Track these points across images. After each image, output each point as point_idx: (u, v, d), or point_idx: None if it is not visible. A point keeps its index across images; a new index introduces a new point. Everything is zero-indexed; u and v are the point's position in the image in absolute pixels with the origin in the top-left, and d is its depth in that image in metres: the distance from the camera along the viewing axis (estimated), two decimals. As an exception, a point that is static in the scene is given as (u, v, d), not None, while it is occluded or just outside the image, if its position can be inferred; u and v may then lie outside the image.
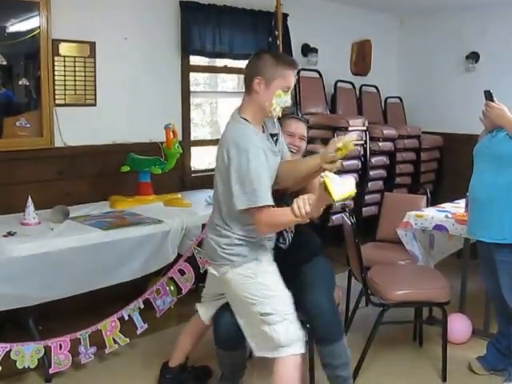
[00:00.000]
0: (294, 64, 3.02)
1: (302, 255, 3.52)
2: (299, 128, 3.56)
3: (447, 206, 5.02)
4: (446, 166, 7.65)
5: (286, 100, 2.98)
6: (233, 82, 6.77)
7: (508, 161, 3.53)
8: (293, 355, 3.05)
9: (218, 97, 6.71)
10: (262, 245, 3.12)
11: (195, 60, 5.81)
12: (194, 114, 6.00)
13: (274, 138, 3.17)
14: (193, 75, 5.86)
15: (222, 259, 3.09)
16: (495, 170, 3.58)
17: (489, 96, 3.65)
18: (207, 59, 6.04)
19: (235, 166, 2.86)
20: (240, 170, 2.85)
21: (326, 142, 3.02)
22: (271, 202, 2.86)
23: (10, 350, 3.51)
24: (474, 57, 7.28)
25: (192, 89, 5.82)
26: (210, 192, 5.09)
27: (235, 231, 3.05)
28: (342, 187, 2.64)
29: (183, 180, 5.65)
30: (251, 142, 2.89)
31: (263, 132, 3.09)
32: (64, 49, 4.66)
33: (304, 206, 2.69)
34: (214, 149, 6.41)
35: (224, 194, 3.02)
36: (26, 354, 3.56)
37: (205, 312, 3.48)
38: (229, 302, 3.25)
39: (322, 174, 2.68)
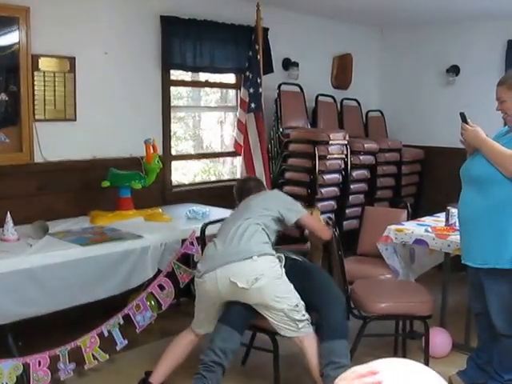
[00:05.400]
0: None
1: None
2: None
3: (427, 219, 5.01)
4: (427, 179, 7.67)
5: None
6: (216, 96, 6.77)
7: (487, 183, 3.48)
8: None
9: (201, 111, 6.70)
10: None
11: (178, 74, 5.81)
12: (177, 127, 5.99)
13: None
14: (176, 88, 5.84)
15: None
16: (477, 193, 3.53)
17: (463, 118, 3.60)
18: (191, 73, 6.04)
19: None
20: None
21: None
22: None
23: (-12, 368, 3.47)
24: (454, 70, 7.32)
25: (175, 102, 5.82)
26: (191, 206, 5.14)
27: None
28: None
29: (164, 194, 5.64)
30: None
31: None
32: (44, 64, 4.64)
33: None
34: (195, 163, 6.51)
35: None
36: (4, 371, 3.51)
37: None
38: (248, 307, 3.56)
39: None
